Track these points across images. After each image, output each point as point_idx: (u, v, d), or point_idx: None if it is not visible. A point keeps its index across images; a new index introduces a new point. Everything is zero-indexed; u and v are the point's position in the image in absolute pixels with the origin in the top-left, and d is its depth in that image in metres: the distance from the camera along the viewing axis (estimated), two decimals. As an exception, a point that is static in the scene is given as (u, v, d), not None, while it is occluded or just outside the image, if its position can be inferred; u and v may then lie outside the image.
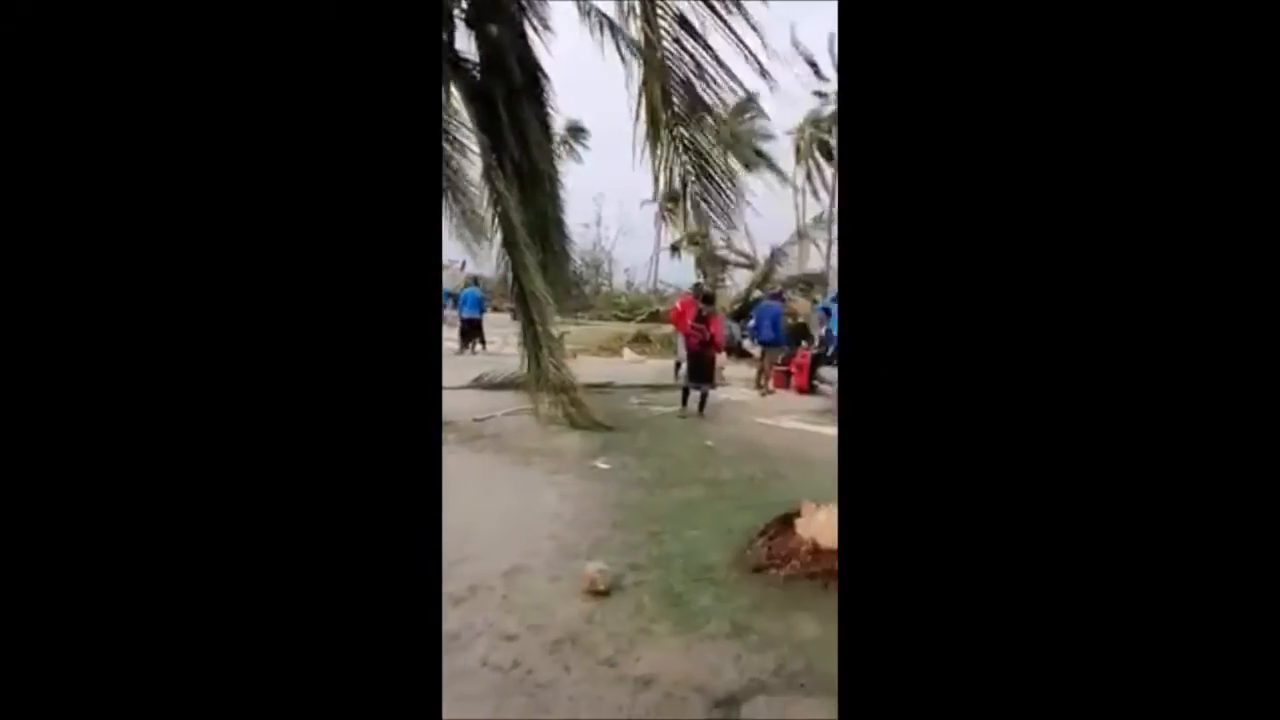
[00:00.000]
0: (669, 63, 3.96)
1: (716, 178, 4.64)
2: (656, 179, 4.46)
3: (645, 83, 4.09)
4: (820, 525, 2.73)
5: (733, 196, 4.74)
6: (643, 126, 4.18)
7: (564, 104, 8.23)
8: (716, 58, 3.95)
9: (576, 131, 19.65)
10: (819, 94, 21.82)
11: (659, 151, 4.25)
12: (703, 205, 4.65)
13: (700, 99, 4.15)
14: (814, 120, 22.33)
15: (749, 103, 21.55)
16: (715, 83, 4.03)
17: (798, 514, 2.85)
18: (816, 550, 2.61)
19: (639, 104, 4.13)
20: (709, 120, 4.36)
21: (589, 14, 4.85)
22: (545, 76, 5.47)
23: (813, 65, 20.89)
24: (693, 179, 4.56)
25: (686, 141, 4.43)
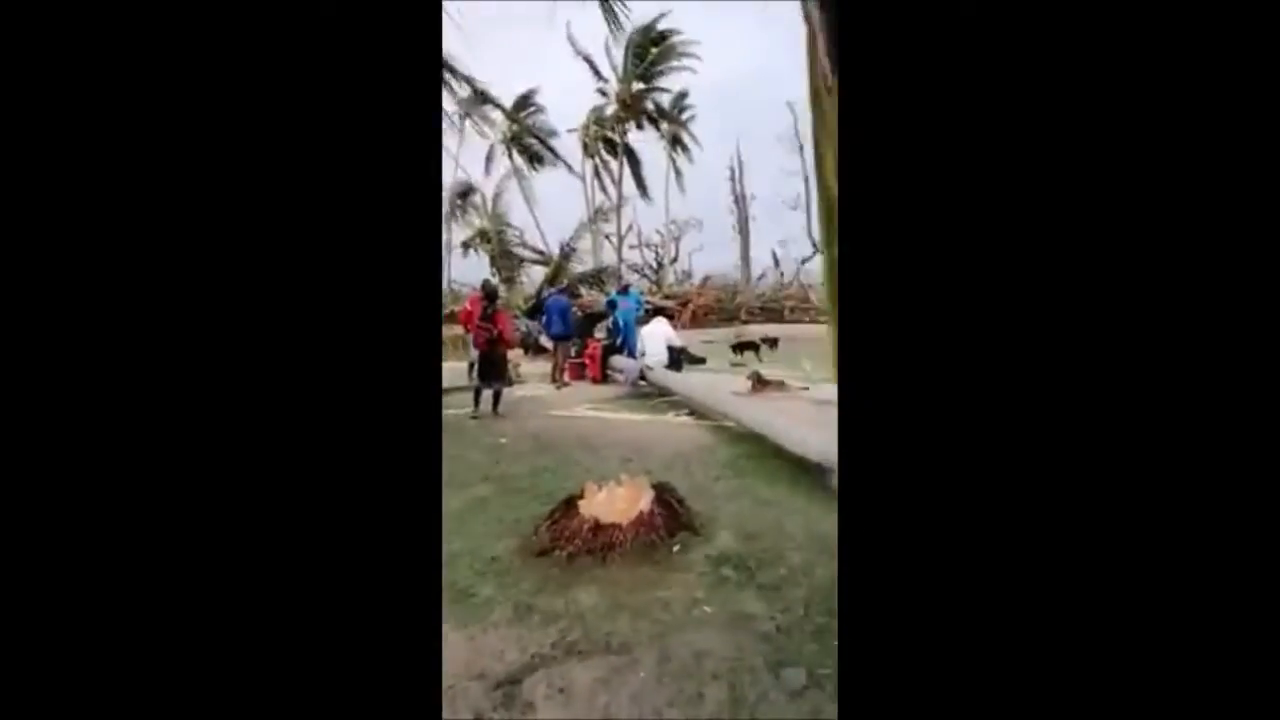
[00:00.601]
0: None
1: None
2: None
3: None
4: (600, 503, 2.90)
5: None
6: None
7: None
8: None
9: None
10: (601, 92, 22.57)
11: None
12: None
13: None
14: (598, 118, 23.05)
15: (527, 99, 21.62)
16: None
17: (581, 496, 3.00)
18: (597, 526, 2.78)
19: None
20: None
21: None
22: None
23: (589, 63, 21.50)
24: None
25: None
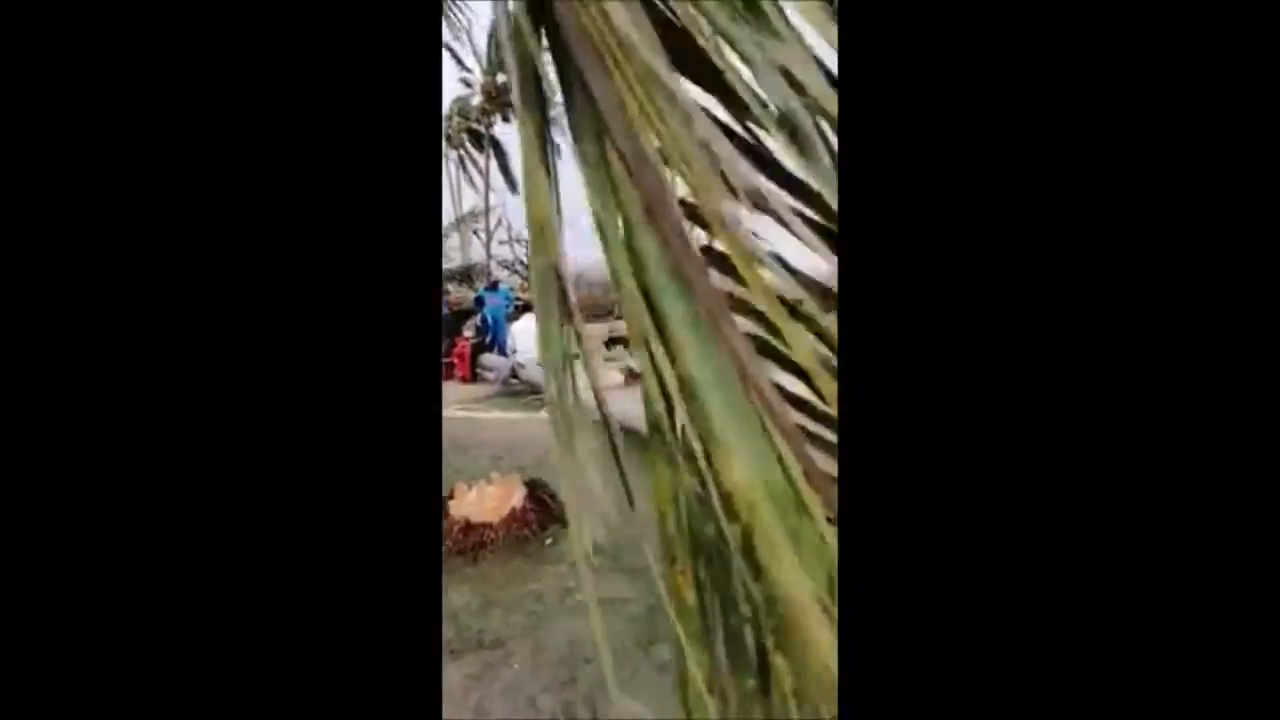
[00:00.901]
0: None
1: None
2: None
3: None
4: (470, 504, 2.88)
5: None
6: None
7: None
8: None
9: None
10: (464, 82, 21.90)
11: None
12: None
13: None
14: (461, 110, 22.34)
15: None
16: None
17: (451, 497, 2.96)
18: (468, 526, 2.76)
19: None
20: None
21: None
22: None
23: (451, 52, 20.76)
24: None
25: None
